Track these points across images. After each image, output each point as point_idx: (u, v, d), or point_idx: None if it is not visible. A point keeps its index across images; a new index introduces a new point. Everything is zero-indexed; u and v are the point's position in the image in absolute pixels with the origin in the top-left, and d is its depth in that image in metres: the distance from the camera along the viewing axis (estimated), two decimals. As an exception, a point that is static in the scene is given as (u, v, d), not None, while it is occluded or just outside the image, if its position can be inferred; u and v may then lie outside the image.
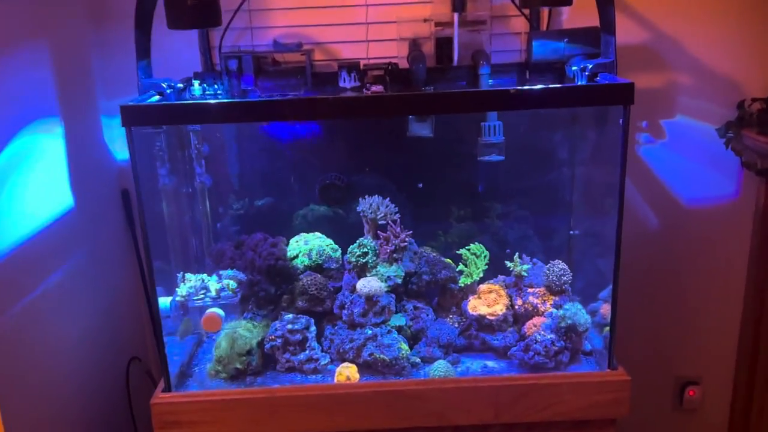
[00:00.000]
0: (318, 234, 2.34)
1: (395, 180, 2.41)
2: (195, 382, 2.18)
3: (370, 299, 2.15)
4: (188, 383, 2.17)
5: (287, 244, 2.29)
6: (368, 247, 2.20)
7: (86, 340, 2.34)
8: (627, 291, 2.16)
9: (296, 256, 2.26)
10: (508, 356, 2.17)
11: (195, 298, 2.01)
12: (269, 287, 2.18)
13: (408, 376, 2.12)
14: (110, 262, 2.49)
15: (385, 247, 2.21)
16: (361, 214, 2.27)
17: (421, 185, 2.41)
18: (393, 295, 2.21)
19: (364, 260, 2.18)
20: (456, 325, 2.26)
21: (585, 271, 2.37)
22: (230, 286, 2.02)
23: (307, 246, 2.26)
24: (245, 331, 2.17)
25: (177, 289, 2.07)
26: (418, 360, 2.16)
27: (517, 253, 2.24)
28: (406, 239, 2.21)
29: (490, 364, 2.19)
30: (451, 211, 2.45)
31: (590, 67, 2.03)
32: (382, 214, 2.24)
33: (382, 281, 2.18)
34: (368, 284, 2.13)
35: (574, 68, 2.10)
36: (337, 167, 2.41)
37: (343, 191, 2.37)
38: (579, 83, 2.06)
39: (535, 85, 2.22)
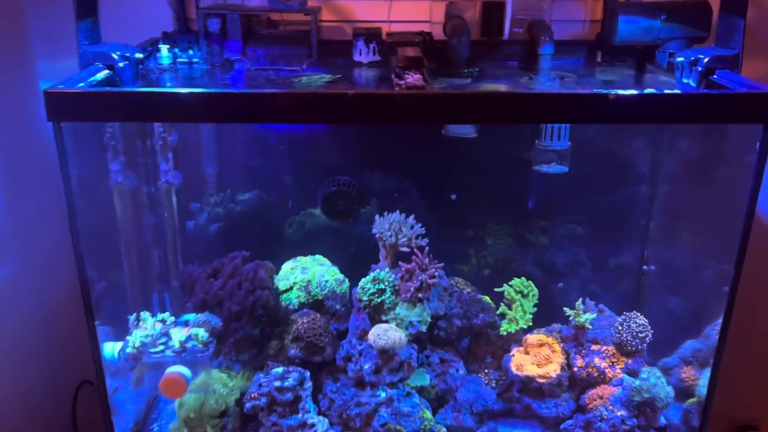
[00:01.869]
0: (319, 258, 1.83)
1: (423, 189, 1.89)
2: (152, 448, 1.69)
3: (386, 352, 1.65)
4: (143, 448, 1.68)
5: (277, 272, 1.76)
6: (386, 283, 1.68)
7: (22, 362, 1.93)
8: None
9: (290, 289, 1.74)
10: (560, 430, 1.69)
11: (152, 350, 1.50)
12: (251, 330, 1.66)
13: (431, 454, 1.64)
14: (53, 272, 1.99)
15: (407, 283, 1.69)
16: (377, 237, 1.74)
17: (455, 197, 1.88)
18: (415, 346, 1.71)
19: (379, 299, 1.67)
20: (493, 384, 1.77)
21: (656, 317, 1.87)
22: (200, 337, 1.50)
23: (304, 276, 1.74)
24: (219, 385, 1.67)
25: (128, 336, 1.55)
26: (442, 430, 1.69)
27: (580, 299, 1.73)
28: (436, 273, 1.69)
29: (536, 438, 1.72)
30: (493, 234, 1.93)
31: (705, 60, 1.48)
32: (405, 239, 1.72)
33: (401, 328, 1.67)
34: (385, 335, 1.63)
35: (679, 59, 1.56)
36: (346, 169, 1.86)
37: (354, 202, 1.83)
38: (686, 81, 1.52)
39: (613, 74, 1.70)
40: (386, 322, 1.72)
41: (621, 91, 1.33)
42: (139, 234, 1.85)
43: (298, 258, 1.84)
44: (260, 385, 1.70)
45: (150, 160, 1.83)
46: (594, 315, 1.76)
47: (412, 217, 1.78)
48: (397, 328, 1.69)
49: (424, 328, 1.73)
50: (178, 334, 1.54)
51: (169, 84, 1.61)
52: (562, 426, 1.72)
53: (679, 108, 1.37)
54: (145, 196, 1.85)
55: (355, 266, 1.85)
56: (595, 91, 1.41)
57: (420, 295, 1.72)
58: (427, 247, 1.74)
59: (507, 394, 1.79)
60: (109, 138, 1.72)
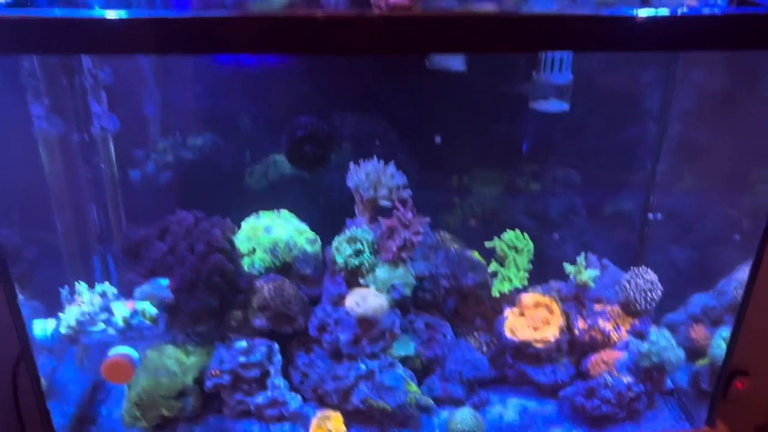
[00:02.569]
0: (285, 214, 1.60)
1: (403, 131, 1.66)
2: (100, 433, 1.49)
3: (365, 320, 1.46)
4: (89, 435, 1.49)
5: (236, 231, 1.53)
6: (364, 242, 1.47)
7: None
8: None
9: (252, 251, 1.51)
10: (559, 397, 1.54)
11: (91, 329, 1.27)
12: (208, 299, 1.44)
13: (417, 429, 1.47)
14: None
15: (389, 242, 1.48)
16: (353, 189, 1.52)
17: (439, 140, 1.66)
18: (398, 312, 1.52)
19: (357, 261, 1.46)
20: (484, 349, 1.61)
21: (661, 269, 1.71)
22: (146, 313, 1.28)
23: (269, 236, 1.52)
24: (174, 363, 1.46)
25: (61, 314, 1.31)
26: (429, 402, 1.54)
27: (582, 254, 1.55)
28: (421, 230, 1.49)
29: (531, 406, 1.59)
30: (483, 180, 1.72)
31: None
32: (386, 191, 1.50)
33: (383, 293, 1.47)
34: (364, 302, 1.43)
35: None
36: (314, 108, 1.62)
37: (324, 148, 1.59)
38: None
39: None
40: (365, 286, 1.52)
41: (645, 12, 1.10)
42: (72, 190, 1.59)
43: (261, 214, 1.61)
44: (222, 362, 1.50)
45: (81, 102, 1.55)
46: (597, 272, 1.59)
47: (392, 164, 1.55)
48: (378, 293, 1.49)
49: (408, 292, 1.54)
50: (121, 310, 1.32)
51: (96, 7, 1.32)
52: (561, 393, 1.57)
53: (710, 32, 1.15)
54: (76, 145, 1.57)
55: (327, 222, 1.64)
56: (619, 12, 1.18)
57: (403, 254, 1.52)
58: (410, 200, 1.52)
59: (499, 359, 1.63)
60: (27, 75, 1.44)
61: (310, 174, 1.67)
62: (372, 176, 1.52)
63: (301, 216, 1.66)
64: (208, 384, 1.51)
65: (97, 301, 1.35)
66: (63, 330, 1.33)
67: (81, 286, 1.37)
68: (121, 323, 1.32)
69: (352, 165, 1.54)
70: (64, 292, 1.37)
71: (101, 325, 1.33)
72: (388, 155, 1.57)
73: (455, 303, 1.71)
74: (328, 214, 1.68)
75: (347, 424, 1.51)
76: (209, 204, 1.62)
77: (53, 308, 1.46)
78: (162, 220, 1.55)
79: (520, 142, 1.72)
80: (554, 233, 1.78)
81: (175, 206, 1.60)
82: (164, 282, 1.45)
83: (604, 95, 1.63)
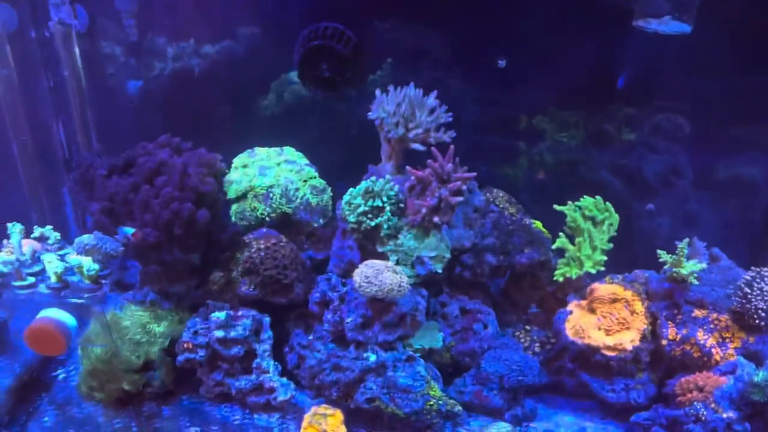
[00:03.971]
0: (289, 152, 1.26)
1: (455, 49, 1.26)
2: (53, 403, 1.26)
3: (379, 301, 1.12)
4: (39, 402, 1.25)
5: (222, 170, 1.21)
6: (385, 198, 1.11)
7: None
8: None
9: (243, 196, 1.19)
10: (630, 422, 1.18)
11: (17, 284, 0.99)
12: (185, 255, 1.14)
13: (437, 443, 1.18)
14: None
15: (417, 201, 1.12)
16: (377, 125, 1.15)
17: (503, 62, 1.25)
18: (424, 292, 1.17)
19: (373, 223, 1.11)
20: (536, 348, 1.26)
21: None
22: (85, 271, 0.98)
23: (265, 178, 1.18)
24: (138, 330, 1.19)
25: (-19, 262, 1.05)
26: (458, 408, 1.21)
27: (686, 240, 1.14)
28: (464, 187, 1.11)
29: (590, 429, 1.24)
30: (556, 122, 1.32)
31: None
32: (421, 130, 1.13)
33: (406, 266, 1.13)
34: (377, 279, 1.11)
35: None
36: (338, 11, 1.24)
37: (346, 65, 1.22)
38: None
39: None
40: (383, 255, 1.18)
41: None
42: (30, 103, 1.29)
43: (256, 151, 1.27)
44: (196, 333, 1.21)
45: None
46: (704, 264, 1.18)
47: (434, 95, 1.17)
48: (397, 268, 1.15)
49: (439, 268, 1.19)
50: (54, 264, 1.03)
51: None
52: (633, 418, 1.21)
53: None
54: (35, 44, 1.26)
55: (349, 165, 1.28)
56: None
57: (436, 219, 1.16)
58: (452, 146, 1.14)
59: (555, 363, 1.28)
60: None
61: (328, 98, 1.30)
62: (404, 108, 1.15)
63: (317, 155, 1.31)
64: (180, 359, 1.24)
65: (29, 248, 1.06)
66: (-20, 281, 1.06)
67: (14, 227, 1.09)
68: (54, 280, 1.03)
69: (378, 92, 1.17)
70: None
71: (30, 279, 1.04)
72: (432, 82, 1.19)
73: (506, 284, 1.35)
74: (352, 156, 1.33)
75: (349, 424, 1.20)
76: (206, 130, 1.30)
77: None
78: (136, 148, 1.24)
79: (616, 74, 1.28)
80: (649, 203, 1.36)
81: (162, 130, 1.28)
82: (129, 230, 1.15)
83: (746, 18, 1.17)
